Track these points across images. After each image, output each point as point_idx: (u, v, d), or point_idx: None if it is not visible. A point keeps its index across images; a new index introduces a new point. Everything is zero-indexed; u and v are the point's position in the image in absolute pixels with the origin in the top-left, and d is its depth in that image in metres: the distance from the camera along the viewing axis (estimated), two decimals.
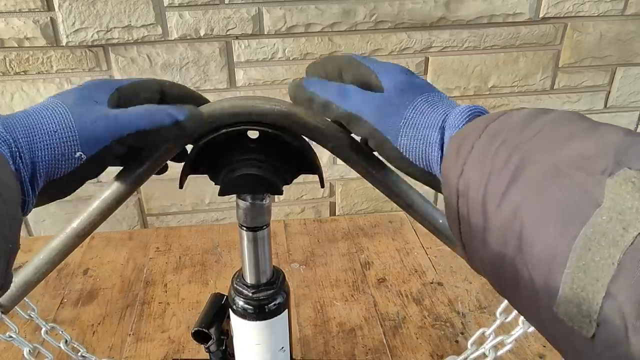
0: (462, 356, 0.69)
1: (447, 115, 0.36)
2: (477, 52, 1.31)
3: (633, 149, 0.24)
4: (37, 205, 0.36)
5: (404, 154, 0.37)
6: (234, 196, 0.50)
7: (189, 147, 0.47)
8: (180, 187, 0.47)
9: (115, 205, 0.46)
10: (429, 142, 0.36)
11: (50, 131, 0.35)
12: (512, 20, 1.28)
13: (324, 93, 0.40)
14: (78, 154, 0.35)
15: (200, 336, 0.60)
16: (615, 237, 0.21)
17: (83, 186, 0.38)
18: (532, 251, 0.25)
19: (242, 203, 0.51)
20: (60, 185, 0.36)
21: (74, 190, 0.38)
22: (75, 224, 0.46)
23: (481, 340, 0.68)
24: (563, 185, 0.25)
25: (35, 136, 0.35)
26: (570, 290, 0.23)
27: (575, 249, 0.23)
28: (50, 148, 0.35)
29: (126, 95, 0.41)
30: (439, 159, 0.35)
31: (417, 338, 1.02)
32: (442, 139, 0.35)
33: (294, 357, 0.69)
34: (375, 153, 0.41)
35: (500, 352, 0.65)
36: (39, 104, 0.37)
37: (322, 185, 0.50)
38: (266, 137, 0.46)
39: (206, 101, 0.47)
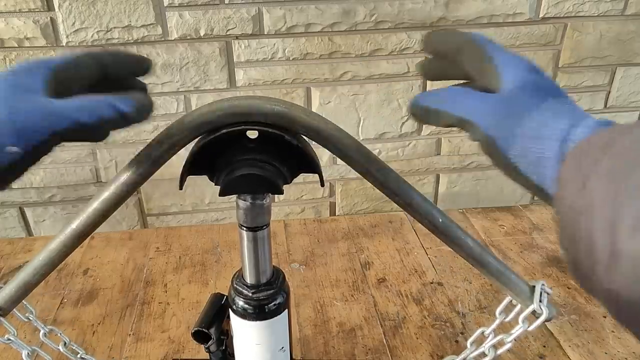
0: (462, 356, 0.69)
1: (572, 127, 0.33)
2: None
3: None
4: None
5: (515, 163, 0.34)
6: (234, 196, 0.50)
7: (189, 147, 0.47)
8: (180, 187, 0.47)
9: (115, 206, 0.46)
10: (546, 155, 0.32)
11: None
12: (512, 20, 1.28)
13: (436, 103, 0.38)
14: (12, 148, 0.33)
15: (200, 336, 0.60)
16: None
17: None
18: None
19: (242, 203, 0.51)
20: None
21: (12, 182, 0.35)
22: (75, 224, 0.46)
23: (480, 340, 0.68)
24: None
25: None
26: None
27: None
28: None
29: (65, 76, 0.38)
30: (554, 173, 0.32)
31: (417, 338, 1.02)
32: (561, 153, 0.32)
33: (294, 357, 0.69)
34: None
35: (500, 351, 0.65)
36: None
37: (322, 184, 0.50)
38: (266, 136, 0.46)
39: (150, 63, 0.45)
